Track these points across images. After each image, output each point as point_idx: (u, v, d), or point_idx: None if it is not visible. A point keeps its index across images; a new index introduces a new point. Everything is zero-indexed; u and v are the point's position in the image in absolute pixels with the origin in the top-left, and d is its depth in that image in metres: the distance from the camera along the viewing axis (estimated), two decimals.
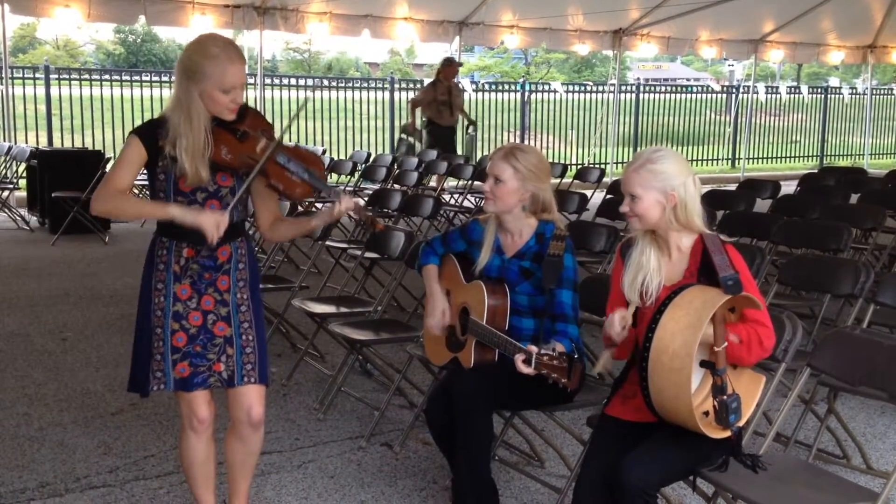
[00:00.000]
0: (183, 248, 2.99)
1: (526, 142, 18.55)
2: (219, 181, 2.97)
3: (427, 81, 13.64)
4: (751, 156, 19.67)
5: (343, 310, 4.95)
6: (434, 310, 3.59)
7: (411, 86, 18.09)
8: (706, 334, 2.66)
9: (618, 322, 2.90)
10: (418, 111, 12.31)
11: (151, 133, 2.92)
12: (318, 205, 8.17)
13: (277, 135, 3.01)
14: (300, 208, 6.80)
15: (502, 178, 3.39)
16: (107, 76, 15.86)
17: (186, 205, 2.94)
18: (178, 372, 2.99)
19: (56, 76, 14.51)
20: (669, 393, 2.66)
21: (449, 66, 12.20)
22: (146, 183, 3.08)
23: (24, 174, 11.17)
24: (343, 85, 18.37)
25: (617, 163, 16.51)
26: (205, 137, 2.88)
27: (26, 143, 12.55)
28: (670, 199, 2.87)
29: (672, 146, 19.94)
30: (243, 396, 3.06)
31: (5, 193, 10.71)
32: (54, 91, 14.20)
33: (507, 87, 20.19)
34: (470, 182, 10.08)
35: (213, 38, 2.94)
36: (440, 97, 12.02)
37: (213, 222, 2.85)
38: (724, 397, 2.69)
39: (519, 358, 3.02)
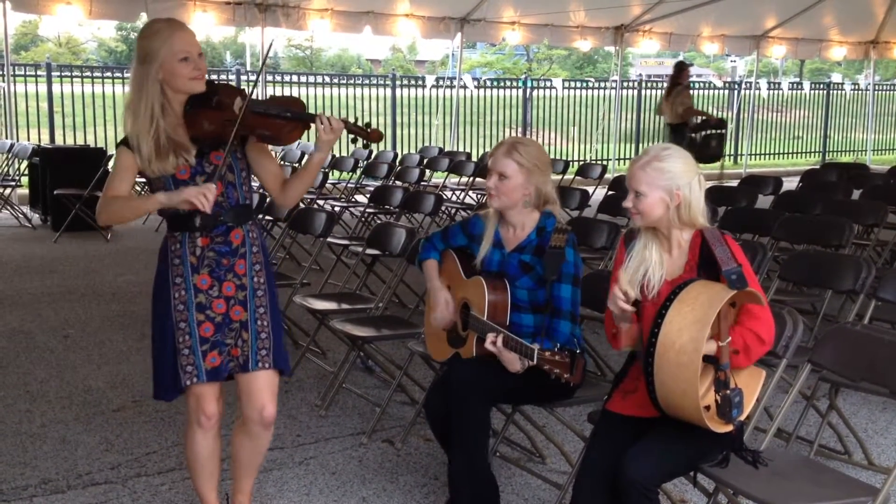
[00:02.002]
0: (196, 238, 2.99)
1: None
2: (213, 160, 2.96)
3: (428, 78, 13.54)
4: (753, 152, 19.64)
5: (344, 306, 4.96)
6: (437, 303, 3.58)
7: (412, 83, 18.10)
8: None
9: (618, 293, 2.85)
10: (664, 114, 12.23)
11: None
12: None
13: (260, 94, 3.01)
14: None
15: (507, 174, 3.38)
16: (108, 73, 15.86)
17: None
18: (209, 362, 2.98)
19: (58, 73, 14.51)
20: (677, 389, 2.66)
21: (686, 69, 12.20)
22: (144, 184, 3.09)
23: (26, 172, 11.19)
24: (345, 82, 18.36)
25: (619, 159, 16.51)
26: (151, 122, 2.88)
27: (28, 140, 12.57)
28: (675, 197, 2.86)
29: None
30: (256, 394, 3.04)
31: (7, 191, 10.72)
32: (56, 88, 14.20)
33: (508, 83, 20.22)
34: (471, 178, 10.08)
35: (155, 20, 3.04)
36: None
37: (196, 192, 2.83)
38: (727, 392, 2.70)
39: (514, 357, 3.03)
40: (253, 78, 14.20)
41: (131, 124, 2.92)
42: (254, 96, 2.98)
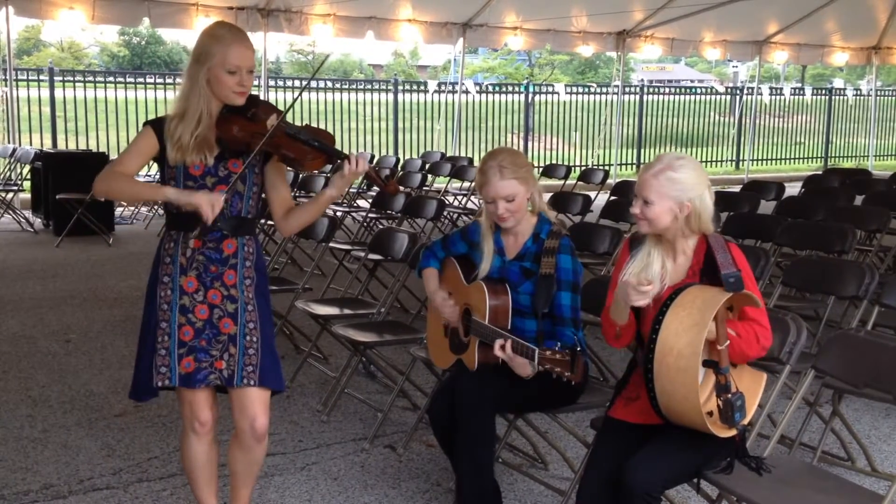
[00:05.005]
0: (189, 239, 2.98)
1: (530, 143, 18.57)
2: (230, 167, 2.97)
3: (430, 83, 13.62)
4: (755, 157, 19.67)
5: (346, 311, 4.95)
6: (440, 306, 3.56)
7: (415, 87, 18.12)
8: (708, 332, 2.65)
9: (643, 286, 2.79)
10: None
11: (164, 125, 2.97)
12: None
13: (290, 113, 3.03)
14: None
15: (512, 195, 3.35)
16: (111, 78, 15.89)
17: (196, 189, 2.94)
18: (182, 367, 2.96)
19: (60, 78, 14.55)
20: (677, 395, 2.65)
21: None
22: (149, 181, 3.10)
23: (29, 176, 11.21)
24: (347, 87, 18.38)
25: (621, 164, 16.50)
26: (199, 118, 2.91)
27: (30, 145, 12.59)
28: (684, 208, 2.85)
29: (676, 148, 19.96)
30: (248, 406, 3.02)
31: (10, 195, 10.74)
32: (58, 93, 14.23)
33: (510, 88, 20.22)
34: (473, 184, 10.06)
35: (222, 22, 3.06)
36: None
37: (206, 200, 2.84)
38: (729, 395, 2.69)
39: (525, 362, 3.02)
40: (255, 83, 14.23)
41: (177, 113, 2.93)
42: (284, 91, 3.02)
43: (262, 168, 3.06)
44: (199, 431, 3.09)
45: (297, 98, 3.52)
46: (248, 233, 3.06)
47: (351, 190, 10.50)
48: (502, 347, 3.10)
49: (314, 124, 3.16)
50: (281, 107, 3.04)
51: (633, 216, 2.94)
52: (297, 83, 17.49)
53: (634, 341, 3.01)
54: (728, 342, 2.71)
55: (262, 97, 3.09)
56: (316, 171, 8.72)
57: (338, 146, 3.06)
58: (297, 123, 3.06)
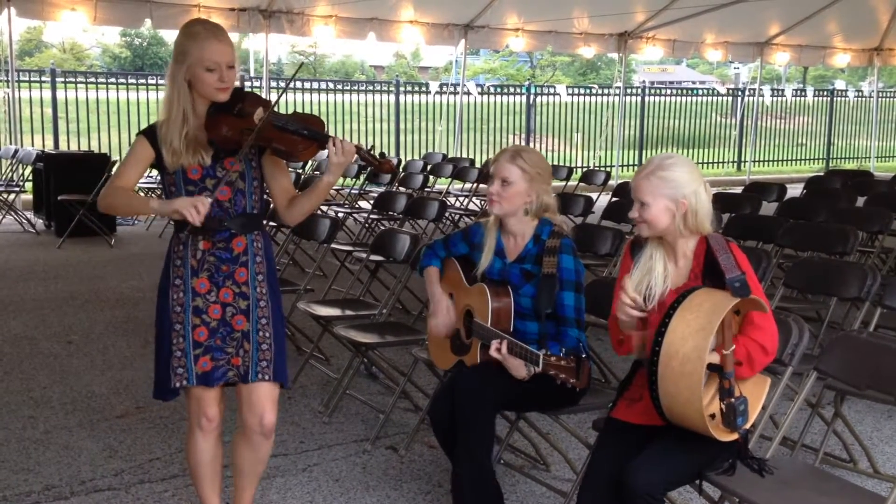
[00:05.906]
0: (199, 240, 2.98)
1: (531, 145, 18.57)
2: (227, 165, 2.96)
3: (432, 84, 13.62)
4: (756, 158, 19.67)
5: (348, 312, 4.95)
6: (438, 310, 3.57)
7: (416, 89, 18.13)
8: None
9: (626, 300, 2.86)
10: None
11: (155, 132, 2.96)
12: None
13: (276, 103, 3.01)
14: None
15: (510, 179, 3.37)
16: (113, 79, 15.89)
17: (196, 193, 2.94)
18: (200, 367, 2.97)
19: (62, 79, 14.56)
20: (680, 398, 2.65)
21: None
22: (152, 185, 3.11)
23: (30, 177, 11.21)
24: (348, 88, 18.37)
25: (622, 165, 16.49)
26: (184, 118, 2.90)
27: (32, 146, 12.58)
28: (681, 206, 2.85)
29: (677, 149, 19.94)
30: (256, 403, 3.03)
31: (11, 196, 10.75)
32: (60, 94, 14.23)
33: (512, 90, 20.21)
34: (475, 185, 10.09)
35: (198, 20, 3.01)
36: None
37: (187, 204, 2.82)
38: (732, 400, 2.69)
39: (519, 363, 3.02)
40: (257, 84, 14.23)
41: (164, 117, 2.94)
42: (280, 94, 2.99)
43: (259, 161, 3.05)
44: (206, 428, 3.09)
45: (286, 89, 3.48)
46: (256, 228, 3.06)
47: (352, 191, 10.51)
48: (497, 349, 3.11)
49: None
50: (281, 109, 3.03)
51: (633, 221, 2.95)
52: (298, 84, 17.50)
53: (641, 346, 3.01)
54: (733, 347, 2.70)
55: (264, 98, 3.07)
56: (314, 162, 8.72)
57: None
58: (287, 113, 3.05)
